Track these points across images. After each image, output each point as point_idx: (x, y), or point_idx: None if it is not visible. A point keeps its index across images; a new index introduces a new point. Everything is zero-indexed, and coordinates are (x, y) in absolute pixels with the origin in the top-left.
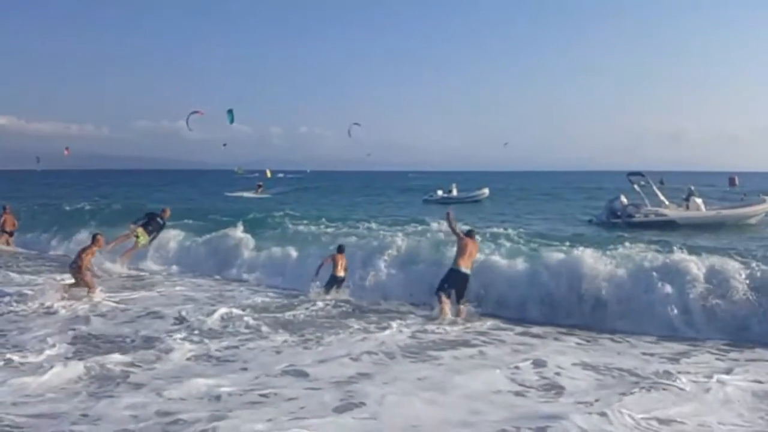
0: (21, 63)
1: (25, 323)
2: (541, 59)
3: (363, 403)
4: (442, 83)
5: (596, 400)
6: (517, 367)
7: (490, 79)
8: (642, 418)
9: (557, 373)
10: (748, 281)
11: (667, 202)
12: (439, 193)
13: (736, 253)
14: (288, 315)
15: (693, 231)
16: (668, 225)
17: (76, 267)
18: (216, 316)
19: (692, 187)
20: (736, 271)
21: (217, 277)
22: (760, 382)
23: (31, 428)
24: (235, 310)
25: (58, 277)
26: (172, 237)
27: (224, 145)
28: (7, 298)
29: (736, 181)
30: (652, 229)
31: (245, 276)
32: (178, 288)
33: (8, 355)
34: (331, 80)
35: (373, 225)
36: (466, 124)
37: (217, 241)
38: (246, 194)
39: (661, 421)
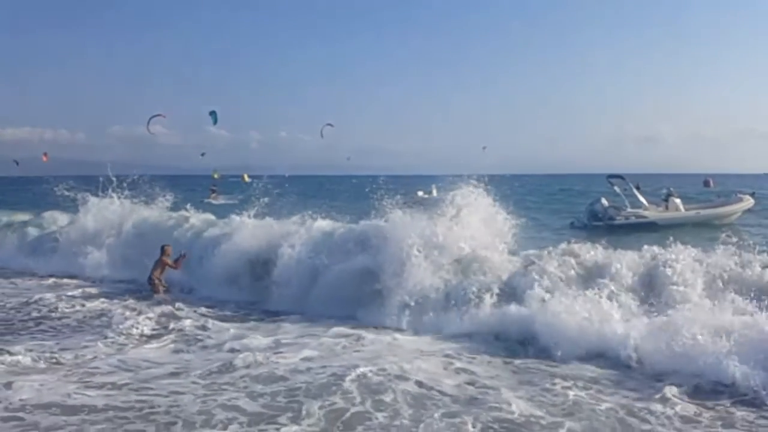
0: None
1: (120, 319)
2: (519, 63)
3: None
4: (421, 87)
5: None
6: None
7: (466, 84)
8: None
9: None
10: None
11: (646, 204)
12: (420, 194)
13: None
14: None
15: (671, 231)
16: (649, 226)
17: (152, 280)
18: None
19: (671, 188)
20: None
21: None
22: None
23: (152, 374)
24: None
25: None
26: None
27: (202, 154)
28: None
29: (711, 183)
30: (633, 230)
31: None
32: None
33: (121, 336)
34: (312, 84)
35: None
36: (445, 128)
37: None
38: (212, 201)
39: None
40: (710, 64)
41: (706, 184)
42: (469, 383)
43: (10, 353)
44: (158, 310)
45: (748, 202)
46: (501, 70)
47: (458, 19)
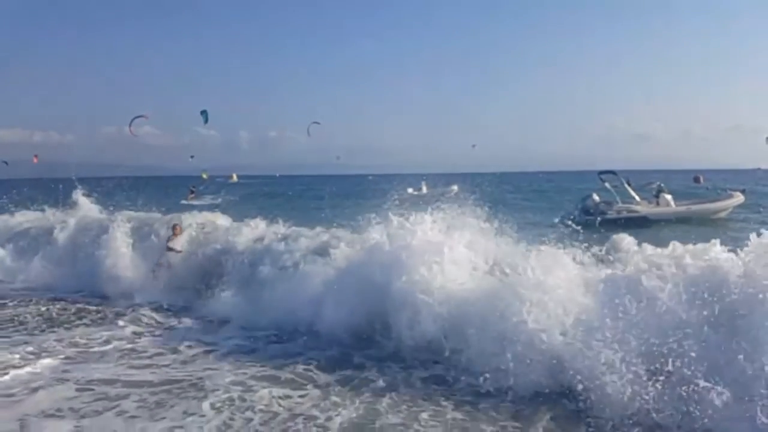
0: None
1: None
2: (510, 61)
3: None
4: (410, 86)
5: None
6: None
7: (457, 83)
8: None
9: None
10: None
11: (638, 199)
12: (410, 190)
13: None
14: None
15: (662, 227)
16: (640, 221)
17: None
18: None
19: (661, 184)
20: None
21: None
22: None
23: (187, 354)
24: None
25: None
26: None
27: (191, 157)
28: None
29: (701, 179)
30: (624, 225)
31: None
32: None
33: (155, 327)
34: (302, 84)
35: None
36: (434, 126)
37: None
38: (190, 202)
39: None
40: (701, 64)
41: (697, 180)
42: None
43: (64, 340)
44: (166, 305)
45: (739, 198)
46: (493, 69)
47: (448, 19)
